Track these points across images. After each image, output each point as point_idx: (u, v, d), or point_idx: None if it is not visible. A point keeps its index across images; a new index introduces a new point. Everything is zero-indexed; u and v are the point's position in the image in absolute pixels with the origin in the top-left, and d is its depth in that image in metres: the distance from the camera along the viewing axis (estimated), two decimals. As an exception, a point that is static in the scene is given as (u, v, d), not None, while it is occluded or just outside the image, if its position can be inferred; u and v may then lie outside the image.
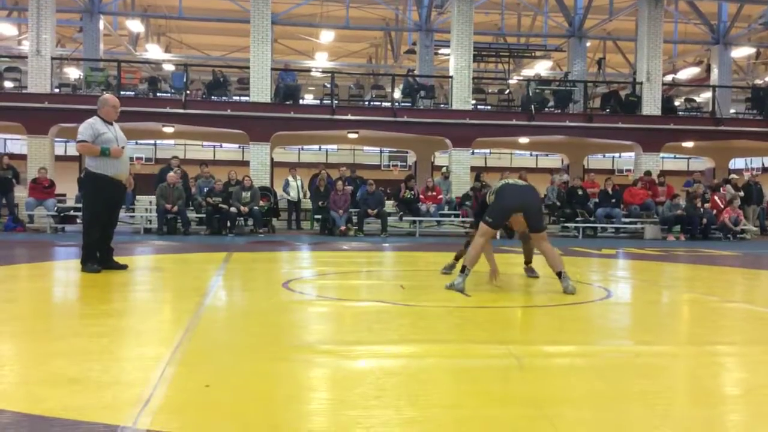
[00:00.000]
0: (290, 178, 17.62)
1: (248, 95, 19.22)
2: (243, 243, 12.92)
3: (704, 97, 25.68)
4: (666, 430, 2.78)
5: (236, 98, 20.55)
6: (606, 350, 4.28)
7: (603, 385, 3.37)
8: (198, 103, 19.19)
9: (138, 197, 16.95)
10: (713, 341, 4.51)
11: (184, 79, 19.29)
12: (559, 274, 6.17)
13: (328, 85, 20.85)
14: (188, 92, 19.33)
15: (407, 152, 27.66)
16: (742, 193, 18.19)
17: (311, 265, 9.70)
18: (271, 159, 20.29)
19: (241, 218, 15.87)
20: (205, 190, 15.98)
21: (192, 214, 15.83)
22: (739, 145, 22.34)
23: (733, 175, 22.24)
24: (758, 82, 26.20)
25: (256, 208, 15.67)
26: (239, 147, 31.29)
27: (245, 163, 19.90)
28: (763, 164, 34.43)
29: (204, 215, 15.58)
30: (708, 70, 25.80)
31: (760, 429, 2.85)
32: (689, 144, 22.11)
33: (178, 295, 6.23)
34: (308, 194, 17.73)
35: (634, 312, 5.89)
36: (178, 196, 15.21)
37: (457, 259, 7.60)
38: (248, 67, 19.04)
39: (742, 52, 26.32)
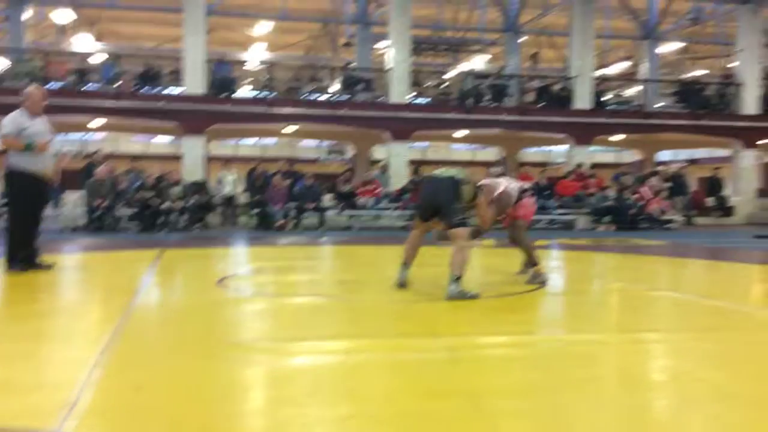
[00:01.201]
0: (225, 173, 17.34)
1: (182, 87, 18.80)
2: (176, 239, 12.64)
3: (634, 91, 26.46)
4: (599, 416, 2.85)
5: (169, 90, 20.06)
6: (540, 340, 4.37)
7: (537, 375, 3.43)
8: (129, 95, 18.66)
9: (66, 193, 16.37)
10: (641, 329, 4.66)
11: (115, 71, 18.71)
12: (456, 279, 5.46)
13: (265, 78, 20.57)
14: (119, 84, 18.75)
15: (346, 146, 27.60)
16: (669, 184, 18.85)
17: (247, 261, 9.57)
18: (207, 153, 19.91)
19: (174, 214, 15.52)
20: (136, 185, 15.57)
21: (123, 211, 15.40)
22: (666, 138, 23.12)
23: (660, 167, 23.03)
24: (685, 76, 27.16)
25: (189, 203, 15.36)
26: (173, 141, 30.60)
27: (179, 158, 19.48)
28: (688, 156, 35.72)
29: (135, 211, 15.18)
30: (637, 64, 26.61)
31: (687, 413, 2.96)
32: (619, 137, 22.76)
33: (108, 295, 6.05)
34: (245, 188, 17.48)
35: (566, 302, 6.03)
36: (107, 191, 14.78)
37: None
38: (182, 59, 18.62)
39: (669, 47, 27.24)
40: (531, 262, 6.50)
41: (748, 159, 21.09)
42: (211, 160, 21.33)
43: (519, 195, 6.53)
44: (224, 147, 33.19)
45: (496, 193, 6.33)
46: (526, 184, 7.11)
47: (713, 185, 20.86)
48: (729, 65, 22.32)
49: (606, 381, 3.43)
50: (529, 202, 6.68)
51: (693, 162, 34.85)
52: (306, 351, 3.86)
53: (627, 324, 4.97)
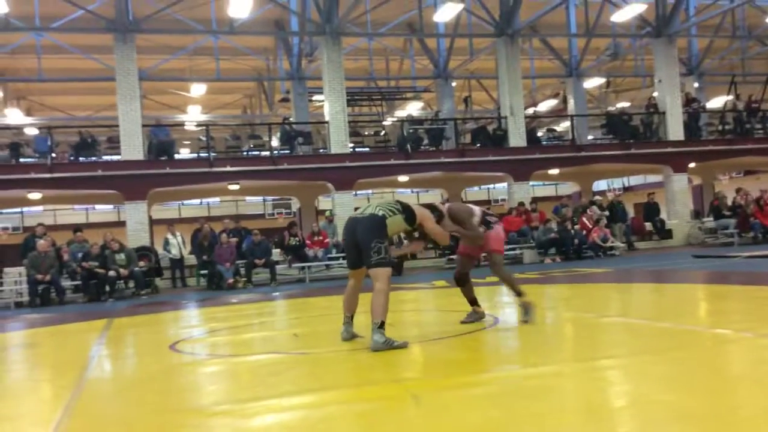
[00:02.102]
0: (170, 236, 17.10)
1: (120, 154, 18.57)
2: (124, 307, 12.34)
3: (564, 126, 27.37)
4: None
5: (107, 158, 19.79)
6: (498, 377, 4.40)
7: (497, 413, 3.46)
8: (65, 166, 18.30)
9: (5, 269, 15.85)
10: (596, 356, 4.76)
11: (49, 143, 18.38)
12: (380, 324, 5.31)
13: (204, 138, 20.52)
14: (54, 155, 18.41)
15: (291, 199, 27.57)
16: (607, 213, 19.42)
17: (200, 323, 9.39)
18: (150, 217, 19.60)
19: (121, 281, 15.18)
20: (80, 255, 15.19)
21: (67, 282, 14.97)
22: (599, 168, 23.86)
23: (597, 197, 23.73)
24: (611, 108, 28.24)
25: (136, 269, 15.06)
26: (114, 207, 30.03)
27: (122, 224, 19.12)
28: (623, 184, 36.92)
29: (80, 282, 14.77)
30: (565, 100, 27.58)
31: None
32: (555, 171, 23.39)
33: (56, 371, 5.85)
34: (192, 250, 17.25)
35: (520, 336, 6.10)
36: (50, 264, 14.38)
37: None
38: (118, 126, 18.43)
39: (593, 83, 28.37)
40: (517, 294, 6.37)
41: (681, 183, 21.91)
42: (155, 223, 21.01)
43: (485, 220, 6.34)
44: (168, 209, 32.75)
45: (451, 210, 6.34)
46: (489, 211, 6.82)
47: (650, 210, 21.58)
48: (651, 95, 23.32)
49: (566, 412, 3.47)
50: (498, 232, 6.48)
51: (628, 189, 36.05)
52: (268, 410, 3.80)
53: (582, 353, 5.06)
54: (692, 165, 22.45)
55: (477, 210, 6.45)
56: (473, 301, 6.54)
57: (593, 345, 5.19)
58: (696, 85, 26.36)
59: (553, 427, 3.17)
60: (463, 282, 6.53)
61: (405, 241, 6.64)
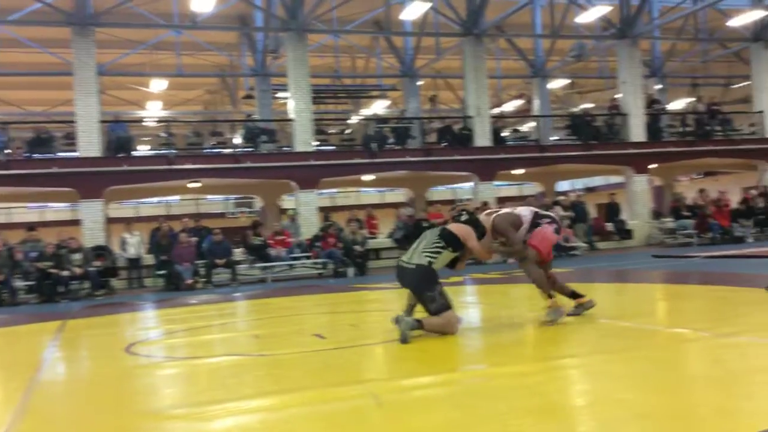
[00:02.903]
0: (127, 235, 16.75)
1: (76, 150, 18.13)
2: (79, 308, 12.03)
3: (529, 126, 27.57)
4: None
5: (63, 154, 19.31)
6: (460, 377, 4.37)
7: (459, 413, 3.42)
8: (20, 162, 17.79)
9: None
10: (558, 355, 4.75)
11: (3, 138, 17.86)
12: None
13: (164, 135, 20.17)
14: (8, 152, 17.89)
15: (253, 198, 27.30)
16: (570, 213, 19.60)
17: (157, 325, 9.19)
18: (106, 215, 19.19)
19: (76, 281, 14.81)
20: (34, 255, 14.78)
21: (20, 283, 14.56)
22: (563, 169, 24.09)
23: (560, 197, 23.97)
24: (574, 109, 28.55)
25: (91, 269, 14.71)
26: (70, 206, 29.39)
27: (77, 222, 18.68)
28: (585, 185, 37.39)
29: (33, 282, 14.38)
30: (530, 101, 27.81)
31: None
32: (520, 171, 23.55)
33: (8, 373, 5.65)
34: (150, 249, 16.92)
35: (483, 336, 6.09)
36: (3, 264, 13.97)
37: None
38: (74, 121, 18.00)
39: (558, 83, 28.66)
40: (547, 296, 6.07)
41: (642, 183, 22.25)
42: (111, 222, 20.60)
43: (534, 223, 6.11)
44: (125, 208, 32.18)
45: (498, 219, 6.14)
46: (543, 212, 6.46)
47: (611, 210, 21.86)
48: (614, 97, 23.62)
49: (528, 411, 3.44)
50: (545, 232, 6.15)
51: (590, 190, 36.53)
52: (227, 413, 3.71)
53: (544, 352, 5.06)
54: (653, 166, 22.80)
55: (527, 214, 6.20)
56: (572, 295, 6.35)
57: (555, 344, 5.19)
58: (658, 87, 26.81)
59: (515, 427, 3.14)
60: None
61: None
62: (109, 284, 15.46)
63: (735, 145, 23.31)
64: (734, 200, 20.97)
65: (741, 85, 28.18)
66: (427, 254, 5.77)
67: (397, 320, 5.60)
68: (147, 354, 6.06)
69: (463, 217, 6.20)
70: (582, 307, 6.28)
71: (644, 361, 4.42)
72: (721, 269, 10.73)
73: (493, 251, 6.33)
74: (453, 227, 6.02)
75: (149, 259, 16.73)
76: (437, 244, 5.81)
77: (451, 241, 5.84)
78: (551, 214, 6.40)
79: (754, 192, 21.35)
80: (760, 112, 23.40)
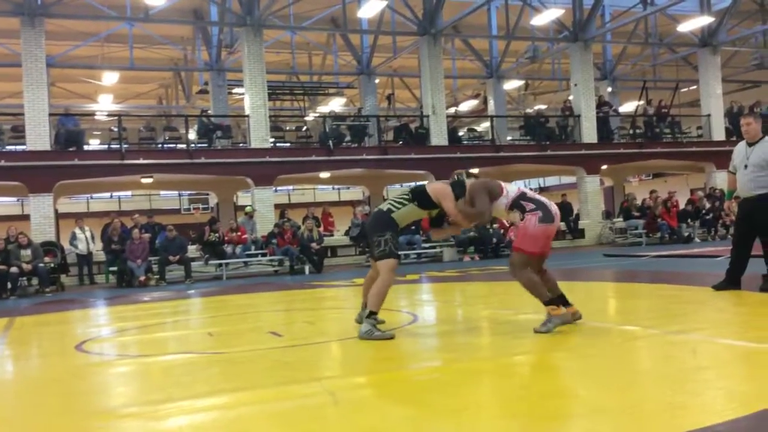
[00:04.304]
0: (77, 230, 16.36)
1: (24, 144, 17.64)
2: (27, 305, 11.71)
3: (484, 126, 27.87)
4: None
5: (11, 147, 18.77)
6: (415, 374, 4.39)
7: (414, 409, 3.44)
8: (-36, 155, 17.27)
9: None
10: (513, 352, 4.81)
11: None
12: (369, 314, 5.50)
13: (116, 129, 19.76)
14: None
15: (208, 194, 26.95)
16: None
17: (109, 322, 9.00)
18: (56, 211, 18.72)
19: (24, 278, 14.41)
20: (-21, 250, 14.34)
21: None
22: (517, 169, 24.42)
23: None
24: (529, 110, 28.95)
25: (41, 265, 14.34)
26: (18, 200, 28.57)
27: (26, 217, 18.17)
28: (539, 185, 37.96)
29: (-21, 279, 13.95)
30: (485, 101, 28.10)
31: (563, 430, 3.06)
32: (475, 170, 23.78)
33: (-51, 373, 5.46)
34: (101, 245, 16.57)
35: (439, 333, 6.13)
36: (-54, 260, 13.53)
37: None
38: (23, 114, 17.50)
39: (512, 84, 29.04)
40: (543, 302, 5.33)
41: (593, 184, 22.68)
42: (61, 217, 20.10)
43: (517, 204, 5.31)
44: (76, 203, 31.43)
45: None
46: (532, 195, 5.54)
47: (564, 210, 22.22)
48: (567, 98, 24.03)
49: (482, 407, 3.48)
50: (526, 226, 5.31)
51: (543, 190, 37.09)
52: (181, 411, 3.65)
53: (499, 349, 5.12)
54: (604, 167, 23.28)
55: (511, 191, 5.41)
56: (560, 300, 5.49)
57: (510, 341, 5.25)
58: (609, 89, 27.37)
59: (470, 423, 3.16)
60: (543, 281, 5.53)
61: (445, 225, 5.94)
62: (59, 281, 15.10)
63: (683, 147, 23.97)
64: (682, 201, 21.55)
65: (689, 89, 28.99)
66: (388, 204, 5.71)
67: (359, 319, 5.63)
68: (98, 352, 5.93)
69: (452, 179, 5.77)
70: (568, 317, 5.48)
71: (597, 357, 4.51)
72: (669, 268, 11.02)
73: (464, 215, 5.54)
74: (429, 184, 5.81)
75: (100, 256, 16.39)
76: (402, 198, 5.69)
77: (418, 195, 5.64)
78: (540, 198, 5.49)
79: (700, 193, 22.00)
80: (708, 115, 24.09)
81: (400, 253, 6.35)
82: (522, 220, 5.33)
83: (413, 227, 17.48)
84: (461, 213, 5.51)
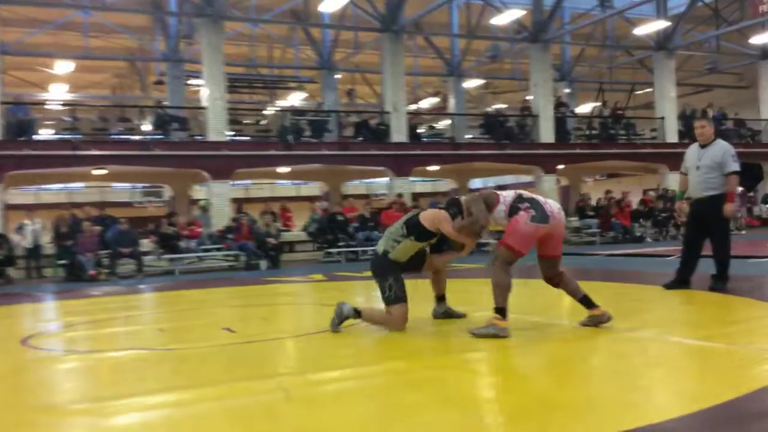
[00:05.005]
0: (27, 222, 15.90)
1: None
2: (-27, 298, 11.32)
3: (444, 124, 27.99)
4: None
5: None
6: (371, 371, 4.36)
7: (370, 406, 3.43)
8: None
9: None
10: (469, 349, 4.81)
11: None
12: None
13: (68, 119, 19.24)
14: None
15: (162, 187, 26.48)
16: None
17: (57, 317, 8.77)
18: (4, 202, 18.16)
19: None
20: None
21: None
22: (476, 167, 24.57)
23: (473, 195, 24.42)
24: (488, 109, 29.16)
25: (-13, 257, 13.90)
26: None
27: (-28, 208, 17.60)
28: (497, 183, 38.29)
29: None
30: (445, 99, 28.23)
31: (517, 426, 3.07)
32: (435, 167, 23.87)
33: None
34: (51, 238, 16.13)
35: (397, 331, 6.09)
36: None
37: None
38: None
39: (473, 83, 29.23)
40: (496, 308, 5.05)
41: (550, 183, 22.96)
42: (10, 208, 19.51)
43: (514, 207, 5.11)
44: (25, 194, 30.59)
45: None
46: (527, 195, 5.30)
47: (521, 209, 22.45)
48: (526, 98, 24.28)
49: (438, 403, 3.48)
50: (517, 222, 5.04)
51: (501, 188, 37.46)
52: (130, 408, 3.56)
53: (454, 346, 5.12)
54: (561, 167, 23.59)
55: (507, 197, 5.22)
56: (585, 301, 5.30)
57: (465, 338, 5.26)
58: (567, 90, 27.75)
59: (426, 419, 3.16)
60: (555, 283, 5.41)
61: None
62: (5, 273, 14.67)
63: (637, 149, 24.43)
64: (635, 201, 21.98)
65: (644, 91, 29.58)
66: (383, 245, 5.56)
67: (337, 307, 5.57)
68: (45, 347, 5.76)
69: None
70: (595, 320, 5.23)
71: (550, 354, 4.55)
72: (622, 267, 11.22)
73: (467, 231, 5.33)
74: (422, 213, 5.58)
75: (49, 248, 15.96)
76: (397, 234, 5.50)
77: (413, 229, 5.44)
78: (537, 198, 5.23)
79: (653, 194, 22.46)
80: (662, 118, 24.60)
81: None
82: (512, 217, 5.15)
83: (371, 223, 17.44)
84: (463, 229, 5.31)
